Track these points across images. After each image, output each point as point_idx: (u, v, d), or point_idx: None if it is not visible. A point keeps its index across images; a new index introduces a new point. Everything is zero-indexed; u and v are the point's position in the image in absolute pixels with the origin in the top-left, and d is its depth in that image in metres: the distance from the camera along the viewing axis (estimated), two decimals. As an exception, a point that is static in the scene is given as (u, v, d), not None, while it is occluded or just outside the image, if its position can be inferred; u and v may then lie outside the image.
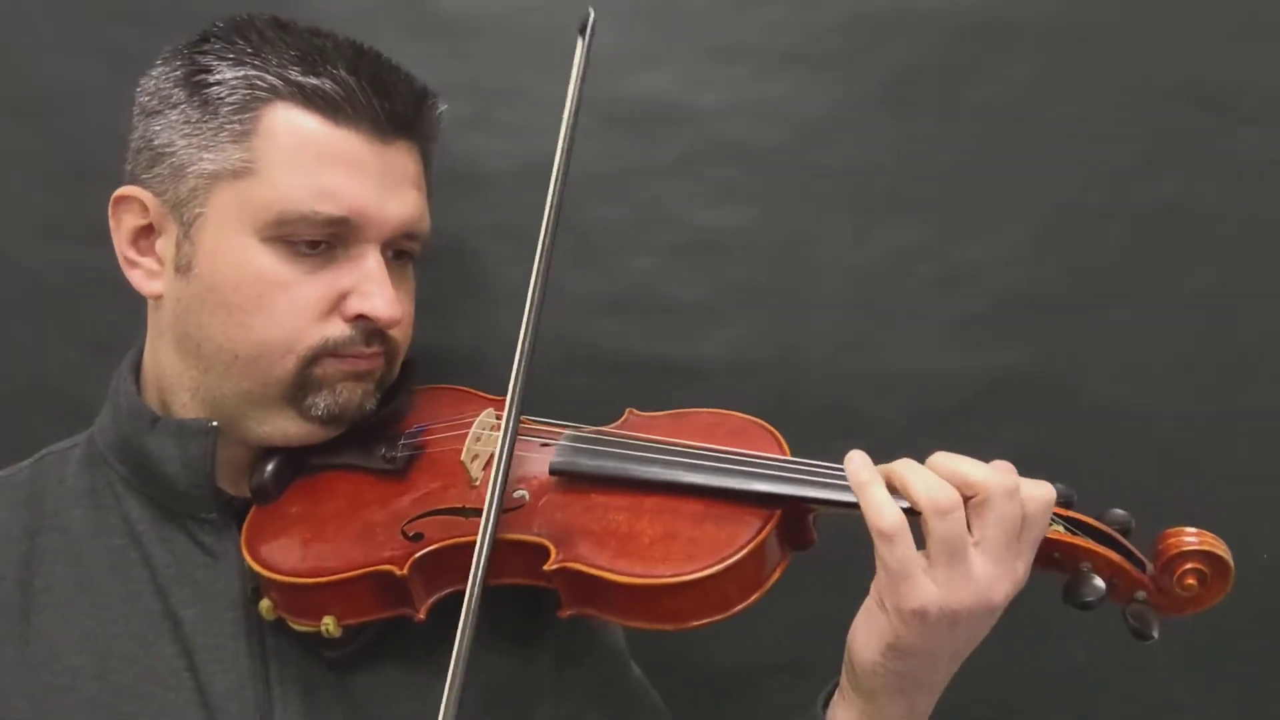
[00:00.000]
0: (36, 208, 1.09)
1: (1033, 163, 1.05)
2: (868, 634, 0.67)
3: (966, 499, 0.64)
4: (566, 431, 0.81)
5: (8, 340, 1.10)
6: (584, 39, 0.83)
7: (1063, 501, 0.71)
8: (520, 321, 0.76)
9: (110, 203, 0.80)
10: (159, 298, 0.80)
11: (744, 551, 0.69)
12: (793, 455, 0.77)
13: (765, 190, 1.07)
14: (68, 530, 0.80)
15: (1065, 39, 1.04)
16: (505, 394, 0.88)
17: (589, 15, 0.83)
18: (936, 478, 0.65)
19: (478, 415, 0.84)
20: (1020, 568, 0.66)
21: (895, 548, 0.64)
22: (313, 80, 0.75)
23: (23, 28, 1.07)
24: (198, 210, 0.76)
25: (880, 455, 1.06)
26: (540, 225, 0.78)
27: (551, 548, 0.72)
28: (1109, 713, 1.08)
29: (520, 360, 0.76)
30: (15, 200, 1.09)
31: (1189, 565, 0.68)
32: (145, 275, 0.80)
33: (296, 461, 0.82)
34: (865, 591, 0.69)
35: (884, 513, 0.65)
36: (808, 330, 1.08)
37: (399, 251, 0.83)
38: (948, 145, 1.06)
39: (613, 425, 0.84)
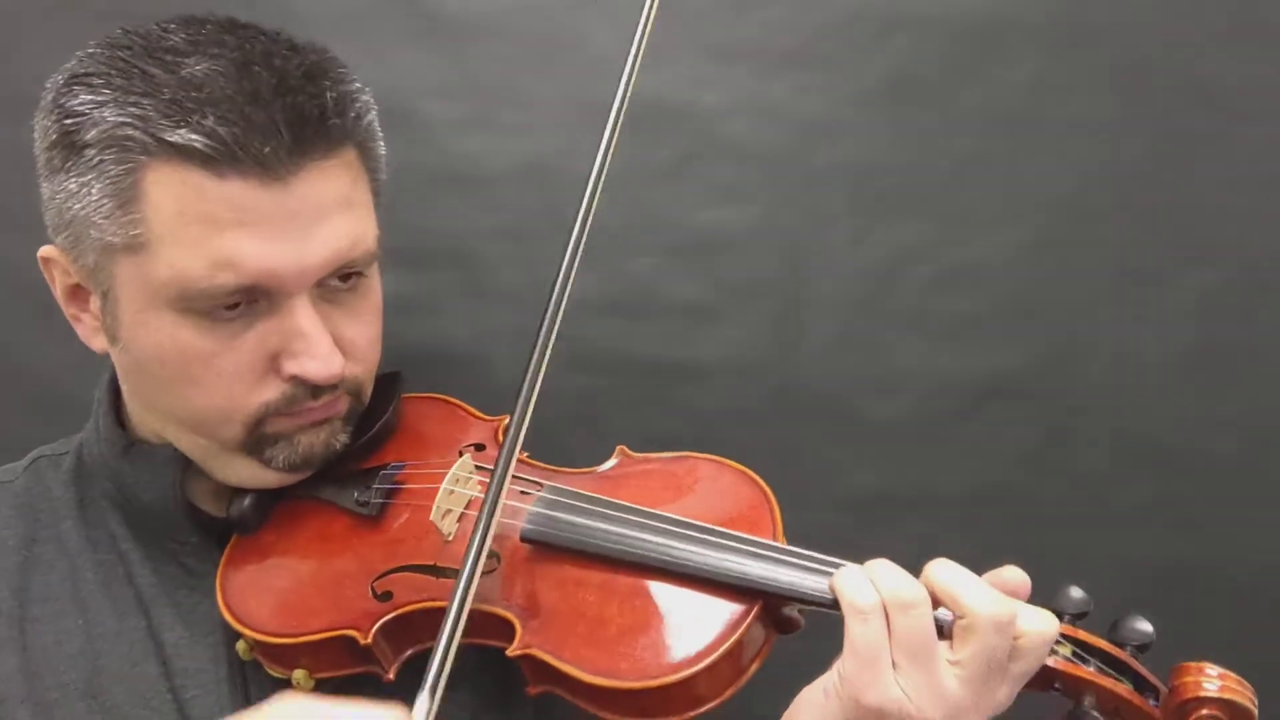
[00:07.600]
0: (36, 208, 1.08)
1: (1032, 163, 1.05)
2: (816, 717, 0.64)
3: (956, 618, 0.61)
4: (543, 490, 0.76)
5: (7, 340, 1.10)
6: None
7: (1077, 612, 0.65)
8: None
9: (39, 260, 0.75)
10: (106, 353, 0.77)
11: (717, 654, 0.64)
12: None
13: (765, 190, 1.07)
14: (61, 542, 0.79)
15: (1065, 39, 1.04)
16: (496, 413, 0.85)
17: None
18: (906, 575, 0.62)
19: (451, 462, 0.77)
20: (1002, 695, 0.62)
21: (868, 626, 0.61)
22: (181, 136, 0.64)
23: (22, 28, 1.07)
24: (106, 285, 0.71)
25: (880, 456, 1.08)
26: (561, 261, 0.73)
27: (517, 627, 0.68)
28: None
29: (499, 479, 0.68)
30: (15, 200, 1.09)
31: (1205, 711, 0.61)
32: (89, 331, 0.76)
33: (277, 489, 0.79)
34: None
35: (861, 588, 0.62)
36: (808, 330, 1.08)
37: (346, 275, 0.74)
38: (948, 145, 1.06)
39: (601, 469, 0.80)
